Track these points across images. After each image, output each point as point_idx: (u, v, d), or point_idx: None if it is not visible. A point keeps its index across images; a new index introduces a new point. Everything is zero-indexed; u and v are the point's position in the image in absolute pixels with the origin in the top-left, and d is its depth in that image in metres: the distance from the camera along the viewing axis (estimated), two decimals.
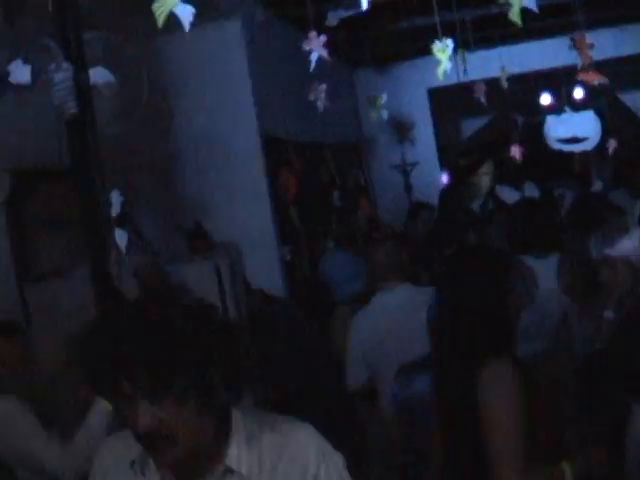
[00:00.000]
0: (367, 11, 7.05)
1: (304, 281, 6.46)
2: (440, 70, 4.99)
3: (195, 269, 4.84)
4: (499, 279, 2.88)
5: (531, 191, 8.94)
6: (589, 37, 7.02)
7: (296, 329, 5.30)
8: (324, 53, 5.49)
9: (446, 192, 10.41)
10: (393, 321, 4.68)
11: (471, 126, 13.23)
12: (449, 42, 5.13)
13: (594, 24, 9.13)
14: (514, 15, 4.45)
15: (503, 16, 8.13)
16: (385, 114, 9.16)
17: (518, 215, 5.60)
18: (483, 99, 7.60)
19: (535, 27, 9.36)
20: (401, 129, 10.22)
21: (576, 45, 5.92)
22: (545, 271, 4.65)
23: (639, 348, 3.15)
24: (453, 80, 6.81)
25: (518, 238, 5.18)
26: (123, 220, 4.97)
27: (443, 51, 5.01)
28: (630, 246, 3.98)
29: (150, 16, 2.72)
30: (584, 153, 12.54)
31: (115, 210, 4.15)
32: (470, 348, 2.77)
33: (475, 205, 9.61)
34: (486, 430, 2.66)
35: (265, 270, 5.61)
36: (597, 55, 7.00)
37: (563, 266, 4.87)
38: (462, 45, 6.83)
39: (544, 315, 4.41)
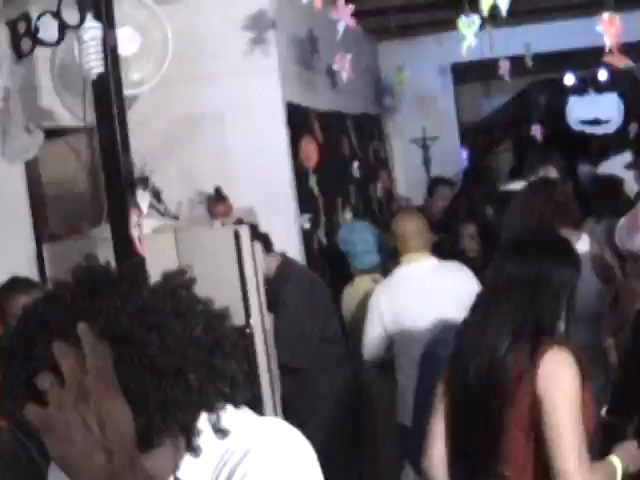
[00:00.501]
0: None
1: (321, 250, 6.46)
2: (465, 46, 4.98)
3: (214, 234, 4.87)
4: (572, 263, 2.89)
5: None
6: (621, 17, 6.97)
7: (315, 293, 5.34)
8: (351, 22, 5.49)
9: (469, 170, 10.39)
10: (417, 294, 4.71)
11: (493, 103, 13.19)
12: (475, 18, 5.10)
13: (622, 5, 9.06)
14: None
15: None
16: (407, 87, 9.15)
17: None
18: (507, 77, 7.59)
19: (561, 6, 9.32)
20: (423, 102, 10.18)
21: (603, 26, 5.86)
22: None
23: None
24: (477, 56, 6.77)
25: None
26: (144, 182, 5.00)
27: (469, 26, 4.99)
28: None
29: None
30: (604, 135, 12.50)
31: (138, 172, 4.18)
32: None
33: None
34: (548, 422, 2.59)
35: (283, 237, 5.62)
36: (624, 37, 6.96)
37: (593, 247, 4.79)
38: (488, 21, 6.78)
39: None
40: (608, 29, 5.85)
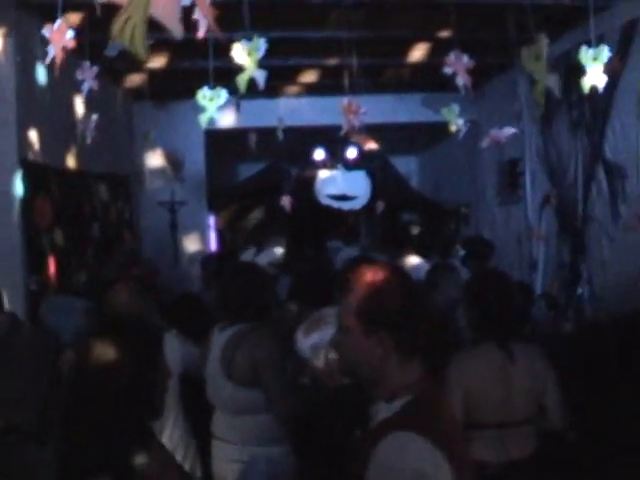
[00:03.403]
0: (150, 45, 7.07)
1: None
2: (204, 117, 4.97)
3: None
4: None
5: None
6: (369, 100, 7.28)
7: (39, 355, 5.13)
8: (94, 85, 5.42)
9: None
10: None
11: (246, 171, 13.40)
12: (222, 91, 5.11)
13: (375, 88, 9.50)
14: (537, 94, 4.54)
15: (284, 68, 8.42)
16: (158, 150, 9.13)
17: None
18: (254, 147, 7.72)
19: (315, 83, 9.64)
20: (173, 167, 10.19)
21: (343, 109, 6.10)
22: None
23: None
24: (231, 124, 6.85)
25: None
26: None
27: (211, 99, 5.00)
28: None
29: None
30: (354, 211, 12.93)
31: None
32: None
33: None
34: None
35: (10, 298, 5.40)
36: (374, 118, 7.26)
37: None
38: (241, 93, 6.88)
39: None
40: (347, 112, 6.08)
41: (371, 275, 2.60)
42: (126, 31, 2.30)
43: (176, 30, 2.43)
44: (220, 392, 4.53)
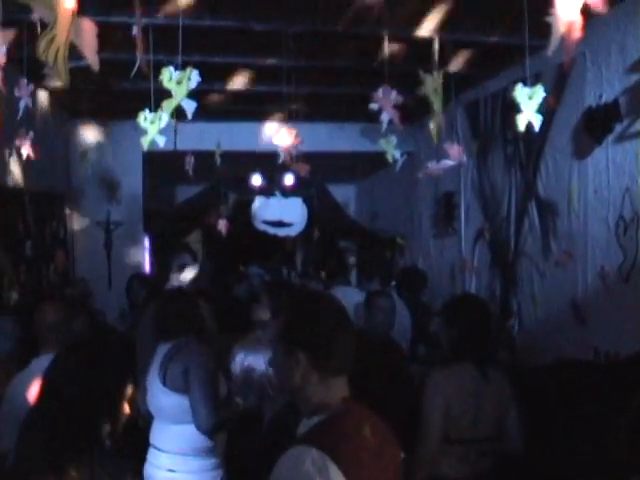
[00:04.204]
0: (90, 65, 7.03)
1: None
2: (146, 140, 4.94)
3: None
4: None
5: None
6: (308, 128, 7.32)
7: None
8: (29, 102, 5.38)
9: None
10: None
11: (183, 194, 13.36)
12: (163, 115, 5.08)
13: (314, 116, 9.56)
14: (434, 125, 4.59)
15: (219, 92, 8.42)
16: (94, 169, 9.06)
17: None
18: (191, 171, 7.71)
19: (256, 110, 9.67)
20: (110, 187, 10.12)
21: (277, 137, 6.13)
22: None
23: None
24: (169, 147, 6.82)
25: None
26: None
27: (152, 122, 4.97)
28: None
29: None
30: (292, 238, 12.98)
31: None
32: None
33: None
34: None
35: None
36: (313, 146, 7.31)
37: None
38: (179, 115, 6.86)
39: None
40: (283, 140, 6.11)
41: (295, 300, 2.90)
42: (50, 51, 2.30)
43: (93, 62, 2.45)
44: (156, 399, 4.81)
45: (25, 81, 5.34)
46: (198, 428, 4.63)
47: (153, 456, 4.78)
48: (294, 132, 6.18)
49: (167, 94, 5.80)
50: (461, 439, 4.27)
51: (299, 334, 2.63)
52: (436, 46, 5.27)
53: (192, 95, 4.33)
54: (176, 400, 4.70)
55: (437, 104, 4.73)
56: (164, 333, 5.03)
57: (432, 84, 4.58)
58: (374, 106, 5.18)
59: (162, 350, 4.94)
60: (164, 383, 4.76)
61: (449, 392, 4.26)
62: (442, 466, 4.26)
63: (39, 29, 4.05)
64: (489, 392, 4.32)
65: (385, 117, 5.18)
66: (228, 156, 8.04)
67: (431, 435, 4.22)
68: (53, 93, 8.57)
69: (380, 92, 5.18)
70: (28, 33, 4.84)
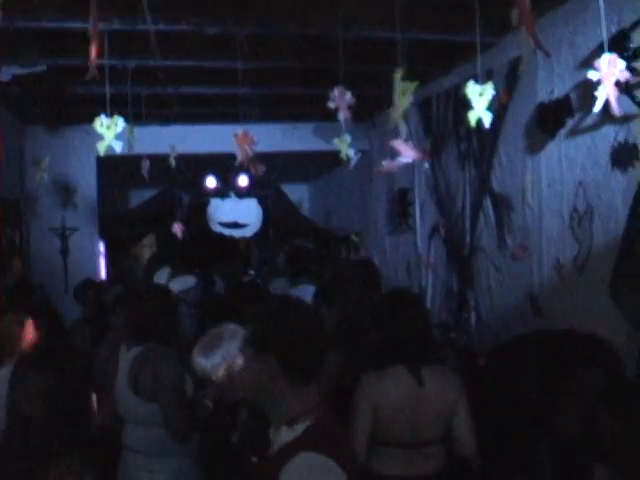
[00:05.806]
0: (44, 71, 6.99)
1: None
2: (102, 145, 4.97)
3: None
4: None
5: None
6: (262, 129, 7.35)
7: None
8: None
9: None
10: None
11: (138, 198, 13.31)
12: (119, 120, 5.10)
13: (267, 116, 9.58)
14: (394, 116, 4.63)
15: (177, 96, 8.43)
16: (49, 175, 9.00)
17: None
18: (146, 175, 7.69)
19: (208, 112, 9.68)
20: (65, 192, 10.07)
21: (237, 139, 6.15)
22: None
23: None
24: (123, 151, 6.80)
25: None
26: None
27: (108, 128, 4.99)
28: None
29: None
30: (246, 238, 12.98)
31: None
32: None
33: None
34: None
35: None
36: (266, 147, 7.34)
37: None
38: (133, 119, 6.87)
39: None
40: (241, 141, 6.14)
41: (262, 303, 2.93)
42: None
43: None
44: (128, 405, 4.77)
45: None
46: (171, 435, 4.61)
47: (129, 457, 4.74)
48: (250, 133, 6.21)
49: (122, 98, 5.86)
50: (399, 443, 4.18)
51: (267, 338, 2.64)
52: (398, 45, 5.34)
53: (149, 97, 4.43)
54: (149, 407, 4.66)
55: (405, 100, 4.76)
56: (134, 337, 4.95)
57: (398, 82, 4.62)
58: (332, 104, 5.22)
59: (130, 354, 4.88)
60: (136, 392, 4.69)
61: (377, 396, 4.17)
62: (372, 463, 4.19)
63: None
64: (427, 394, 4.18)
65: (341, 116, 5.22)
66: (183, 159, 8.02)
67: (354, 438, 4.07)
68: (6, 99, 8.51)
69: (335, 92, 5.22)
70: None
